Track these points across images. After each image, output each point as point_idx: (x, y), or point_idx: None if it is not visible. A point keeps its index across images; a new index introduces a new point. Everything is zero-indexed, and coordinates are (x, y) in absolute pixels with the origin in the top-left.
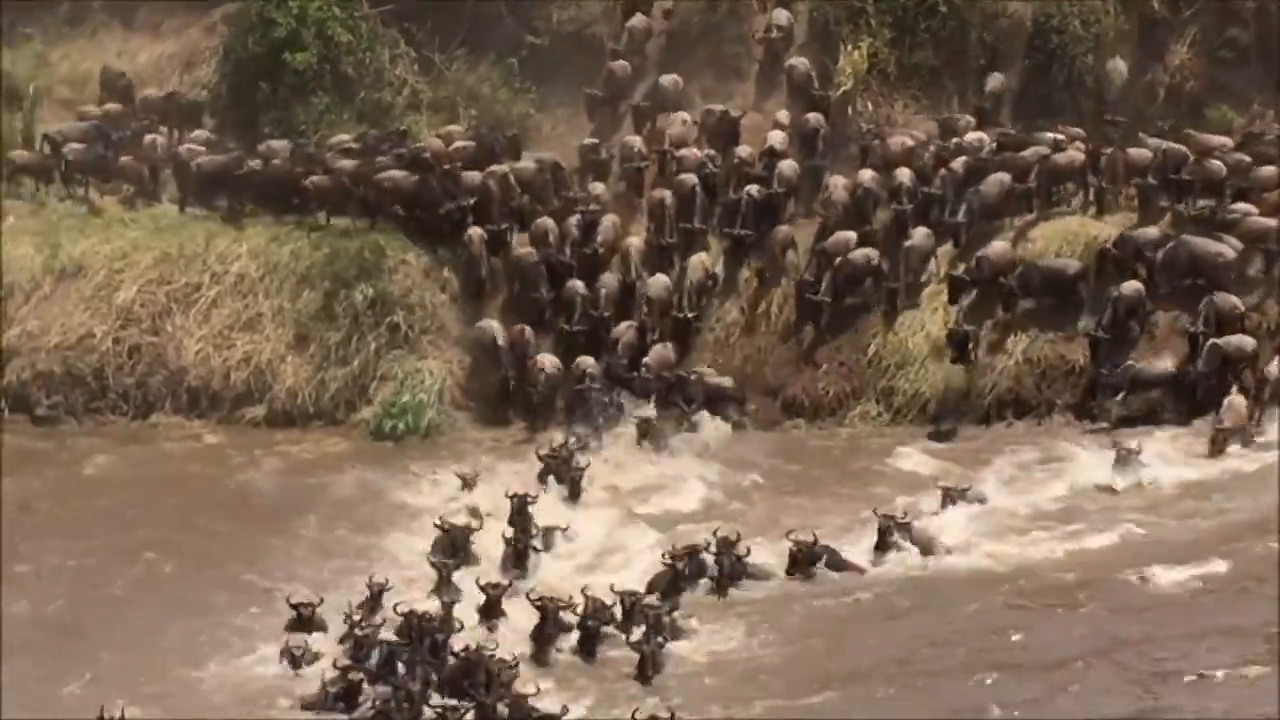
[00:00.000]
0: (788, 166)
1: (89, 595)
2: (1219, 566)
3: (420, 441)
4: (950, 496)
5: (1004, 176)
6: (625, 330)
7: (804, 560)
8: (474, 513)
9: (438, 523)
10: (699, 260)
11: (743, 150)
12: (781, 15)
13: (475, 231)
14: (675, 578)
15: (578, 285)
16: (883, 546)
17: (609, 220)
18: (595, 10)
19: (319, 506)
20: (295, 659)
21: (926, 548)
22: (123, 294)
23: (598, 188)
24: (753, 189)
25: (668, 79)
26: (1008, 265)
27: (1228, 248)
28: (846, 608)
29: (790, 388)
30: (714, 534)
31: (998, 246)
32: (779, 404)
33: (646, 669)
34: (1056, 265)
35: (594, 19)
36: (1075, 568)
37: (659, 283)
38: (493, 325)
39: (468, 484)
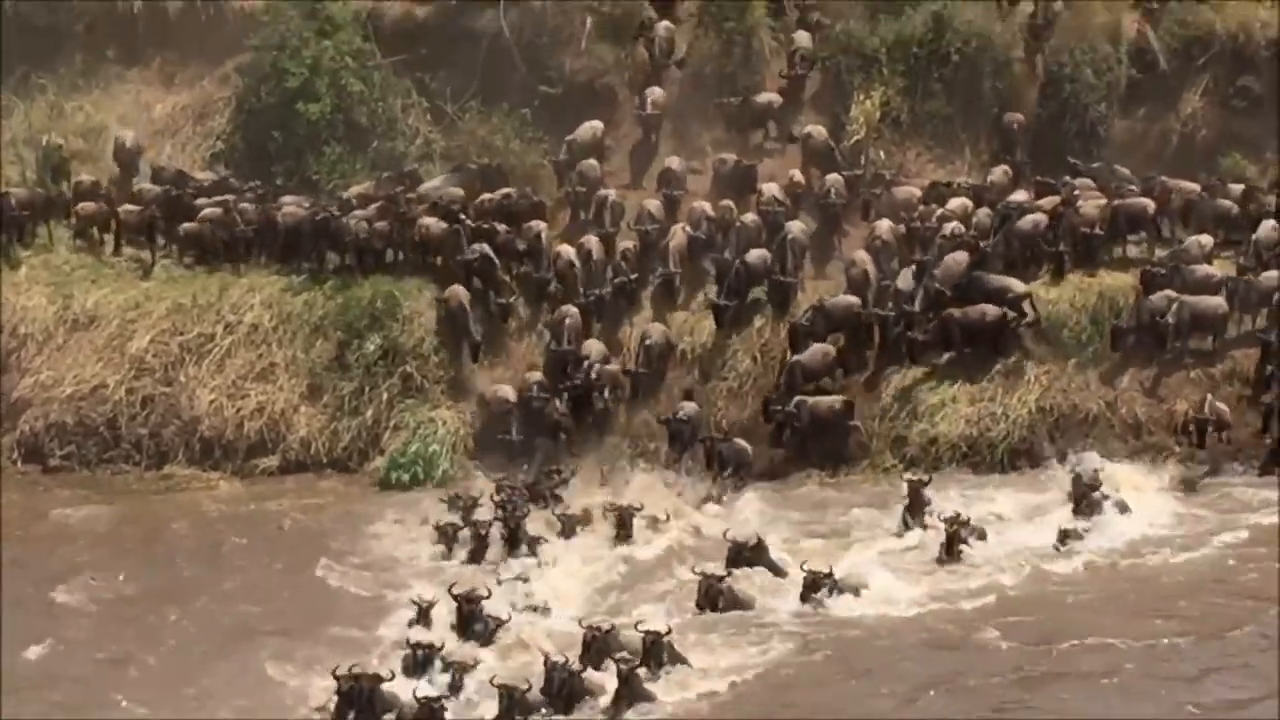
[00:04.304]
0: (798, 229)
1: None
2: None
3: (432, 490)
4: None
5: (962, 256)
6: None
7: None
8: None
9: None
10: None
11: (748, 217)
12: (802, 37)
13: (459, 290)
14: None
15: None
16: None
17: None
18: (608, 60)
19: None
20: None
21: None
22: (136, 344)
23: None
24: (753, 255)
25: (675, 162)
26: (848, 316)
27: (1221, 300)
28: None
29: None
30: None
31: (840, 299)
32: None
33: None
34: (972, 314)
35: (606, 69)
36: None
37: (658, 329)
38: (505, 390)
39: (422, 614)
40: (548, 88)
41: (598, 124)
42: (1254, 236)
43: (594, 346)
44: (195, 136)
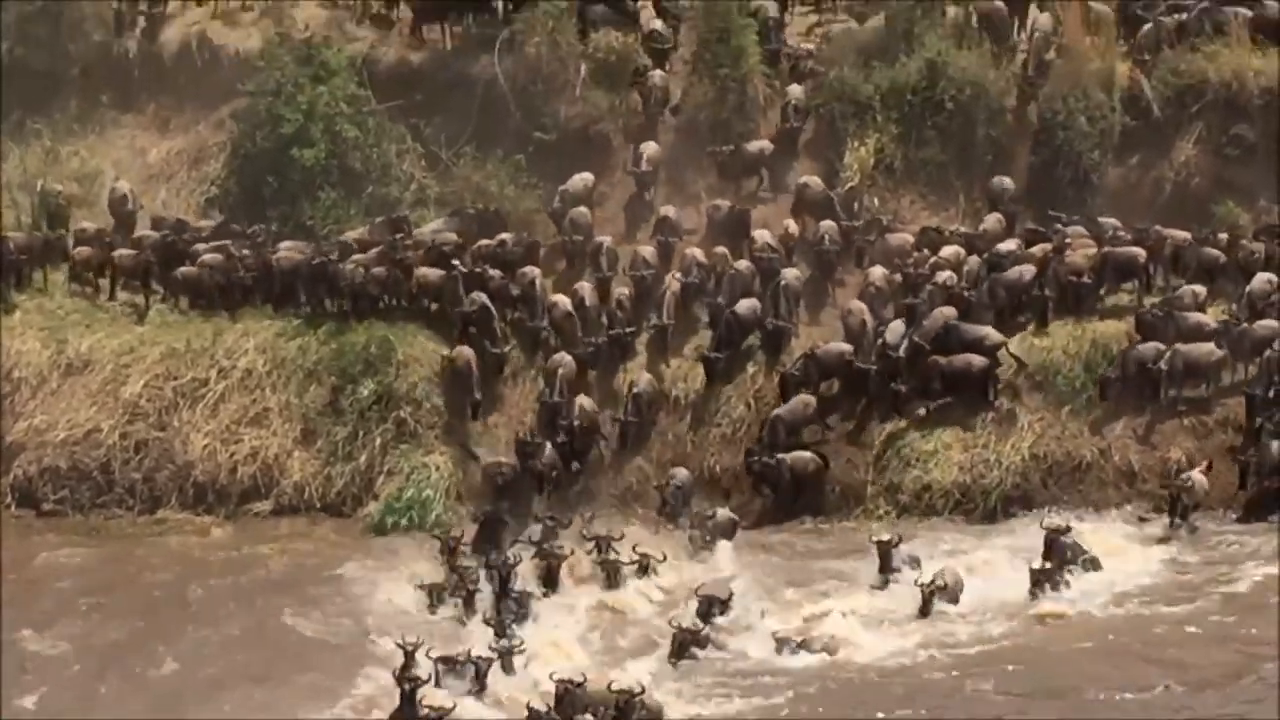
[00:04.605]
0: (793, 276)
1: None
2: None
3: (425, 536)
4: None
5: (949, 310)
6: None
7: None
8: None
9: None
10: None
11: (741, 264)
12: (796, 90)
13: (466, 351)
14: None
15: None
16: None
17: None
18: (602, 107)
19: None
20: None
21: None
22: (129, 389)
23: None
24: (744, 304)
25: (671, 210)
26: (838, 364)
27: (1214, 348)
28: None
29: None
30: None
31: (832, 347)
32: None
33: None
34: (958, 363)
35: (601, 115)
36: None
37: (646, 379)
38: (502, 460)
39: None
40: (542, 134)
41: (589, 176)
42: (1248, 288)
43: (582, 399)
44: (190, 181)
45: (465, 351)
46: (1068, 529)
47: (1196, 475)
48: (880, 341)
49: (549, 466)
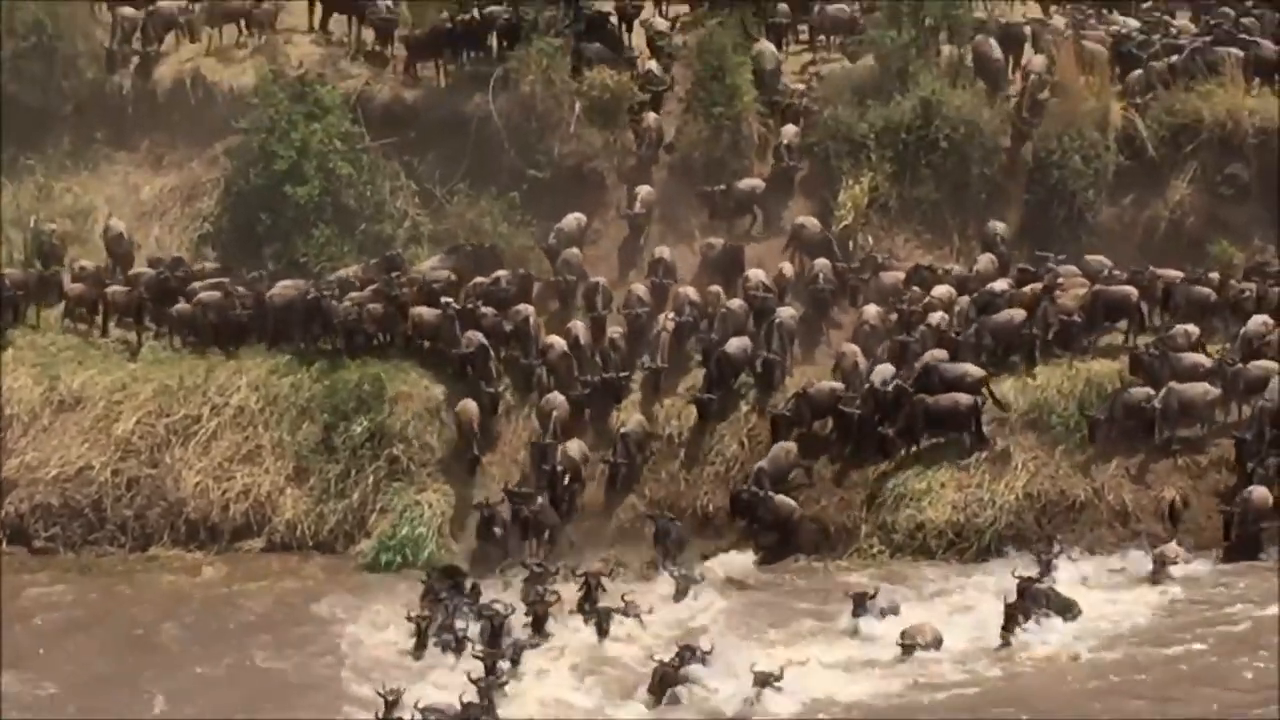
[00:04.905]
0: (787, 315)
1: None
2: None
3: (417, 574)
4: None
5: (942, 353)
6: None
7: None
8: None
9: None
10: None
11: (734, 302)
12: (789, 130)
13: (470, 407)
14: None
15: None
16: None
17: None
18: (596, 145)
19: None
20: None
21: None
22: (122, 426)
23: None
24: (734, 344)
25: (665, 251)
26: (830, 403)
27: (1209, 387)
28: None
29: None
30: None
31: (823, 386)
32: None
33: None
34: (944, 402)
35: (595, 153)
36: None
37: (635, 420)
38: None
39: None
40: (536, 171)
41: (581, 216)
42: (1243, 330)
43: (570, 444)
44: (184, 218)
45: (470, 407)
46: (1040, 578)
47: (1171, 547)
48: (869, 386)
49: (537, 516)
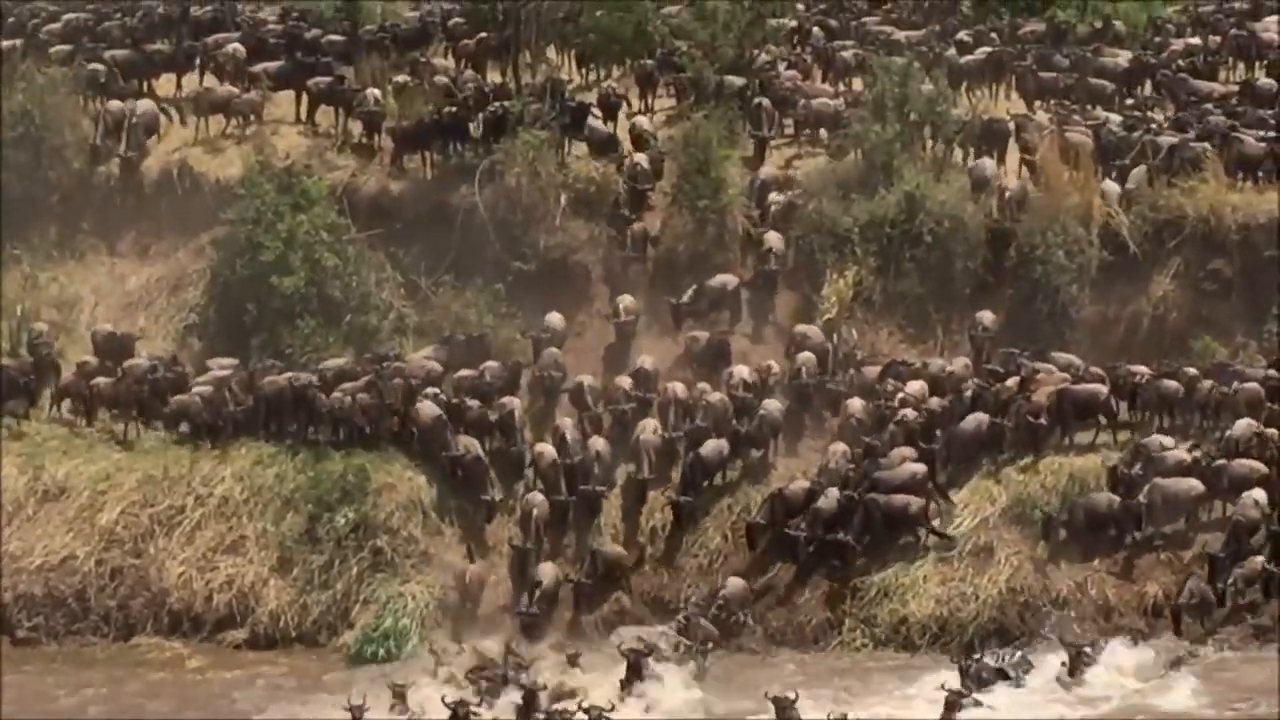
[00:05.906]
0: (774, 408)
1: None
2: None
3: (402, 666)
4: None
5: (910, 451)
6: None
7: None
8: None
9: None
10: None
11: (714, 396)
12: (773, 237)
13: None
14: None
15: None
16: None
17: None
18: (582, 237)
19: None
20: None
21: None
22: (106, 515)
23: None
24: (709, 446)
25: (648, 361)
26: (805, 504)
27: (1194, 483)
28: None
29: (774, 617)
30: None
31: (794, 487)
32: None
33: None
34: (897, 503)
35: (580, 245)
36: None
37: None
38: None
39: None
40: (521, 264)
41: (559, 317)
42: (1229, 433)
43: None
44: (170, 308)
45: (476, 571)
46: (969, 692)
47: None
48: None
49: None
